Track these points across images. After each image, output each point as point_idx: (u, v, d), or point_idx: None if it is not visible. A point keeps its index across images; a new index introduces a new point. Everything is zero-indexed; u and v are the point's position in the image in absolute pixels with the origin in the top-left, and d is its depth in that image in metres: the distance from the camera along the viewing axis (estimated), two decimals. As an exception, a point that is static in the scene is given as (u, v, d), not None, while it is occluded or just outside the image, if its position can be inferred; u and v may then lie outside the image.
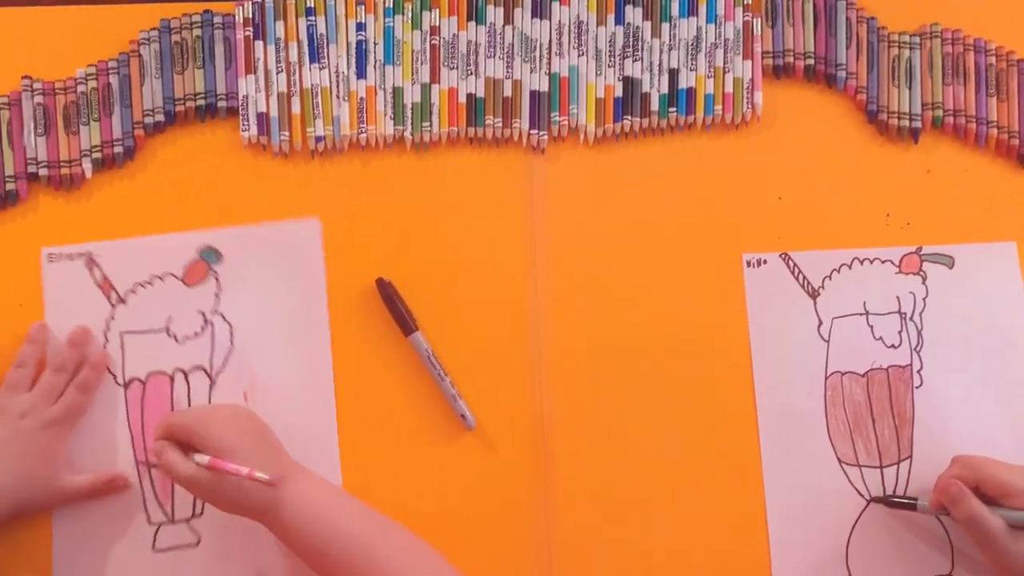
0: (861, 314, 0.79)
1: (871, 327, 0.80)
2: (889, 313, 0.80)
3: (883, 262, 0.80)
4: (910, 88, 0.82)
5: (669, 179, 0.81)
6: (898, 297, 0.80)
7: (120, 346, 0.77)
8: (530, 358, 0.79)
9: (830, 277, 0.80)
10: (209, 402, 0.77)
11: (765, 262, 0.79)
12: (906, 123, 0.82)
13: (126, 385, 0.77)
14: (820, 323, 0.80)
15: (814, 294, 0.80)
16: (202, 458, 0.67)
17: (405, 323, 0.77)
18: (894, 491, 0.78)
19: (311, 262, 0.78)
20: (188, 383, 0.77)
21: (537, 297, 0.79)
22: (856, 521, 0.77)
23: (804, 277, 0.80)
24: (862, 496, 0.78)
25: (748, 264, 0.79)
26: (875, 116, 0.82)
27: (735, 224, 0.81)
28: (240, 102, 0.79)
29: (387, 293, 0.77)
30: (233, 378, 0.77)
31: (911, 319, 0.80)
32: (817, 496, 0.77)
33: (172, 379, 0.77)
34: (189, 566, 0.75)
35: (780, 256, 0.80)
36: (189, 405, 0.77)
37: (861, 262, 0.80)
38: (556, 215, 0.80)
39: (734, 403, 0.79)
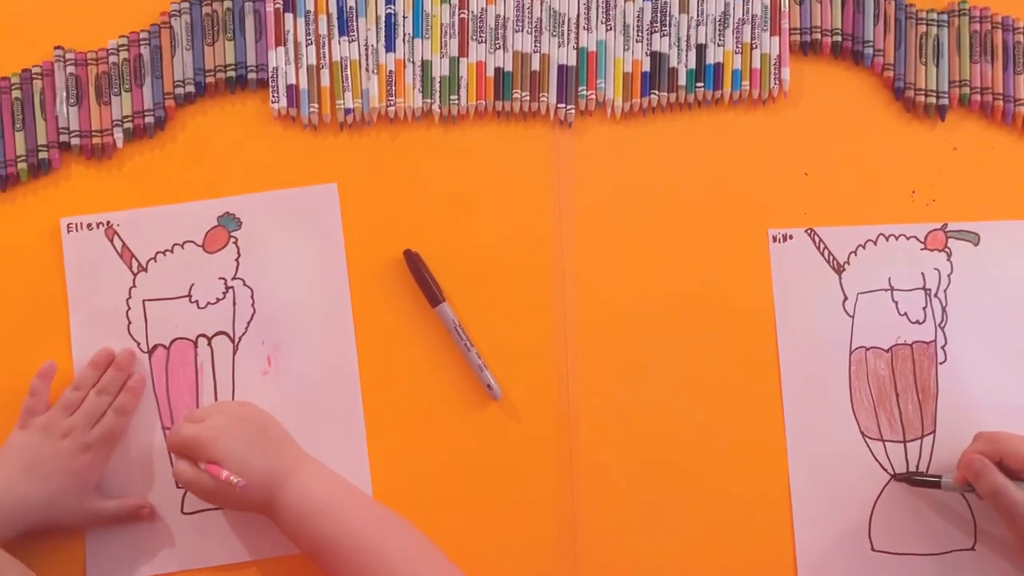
0: (886, 290, 0.79)
1: (896, 303, 0.79)
2: (914, 289, 0.79)
3: (908, 238, 0.80)
4: (937, 66, 0.81)
5: (696, 154, 0.81)
6: (923, 273, 0.79)
7: (143, 314, 0.78)
8: (556, 331, 0.78)
9: (855, 253, 0.80)
10: (232, 368, 0.77)
11: (791, 237, 0.79)
12: (933, 100, 0.81)
13: (150, 352, 0.78)
14: (845, 298, 0.79)
15: (839, 269, 0.79)
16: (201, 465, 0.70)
17: (432, 294, 0.77)
18: (917, 467, 0.78)
19: (329, 225, 0.78)
20: (212, 348, 0.78)
21: (563, 271, 0.79)
22: (879, 495, 0.77)
23: (830, 252, 0.79)
24: (885, 471, 0.78)
25: (774, 239, 0.79)
26: (902, 93, 0.81)
27: (761, 199, 0.80)
28: (270, 74, 0.79)
29: (414, 264, 0.78)
30: (256, 342, 0.78)
31: (936, 295, 0.79)
32: (840, 470, 0.77)
33: (195, 344, 0.78)
34: (215, 529, 0.76)
35: (806, 232, 0.80)
36: (213, 370, 0.78)
37: (887, 238, 0.80)
38: (583, 189, 0.80)
39: (759, 377, 0.79)
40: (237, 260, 0.78)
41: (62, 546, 0.75)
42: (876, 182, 0.81)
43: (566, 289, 0.79)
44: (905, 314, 0.79)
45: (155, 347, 0.78)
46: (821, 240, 0.79)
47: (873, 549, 0.77)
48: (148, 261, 0.78)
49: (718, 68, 0.81)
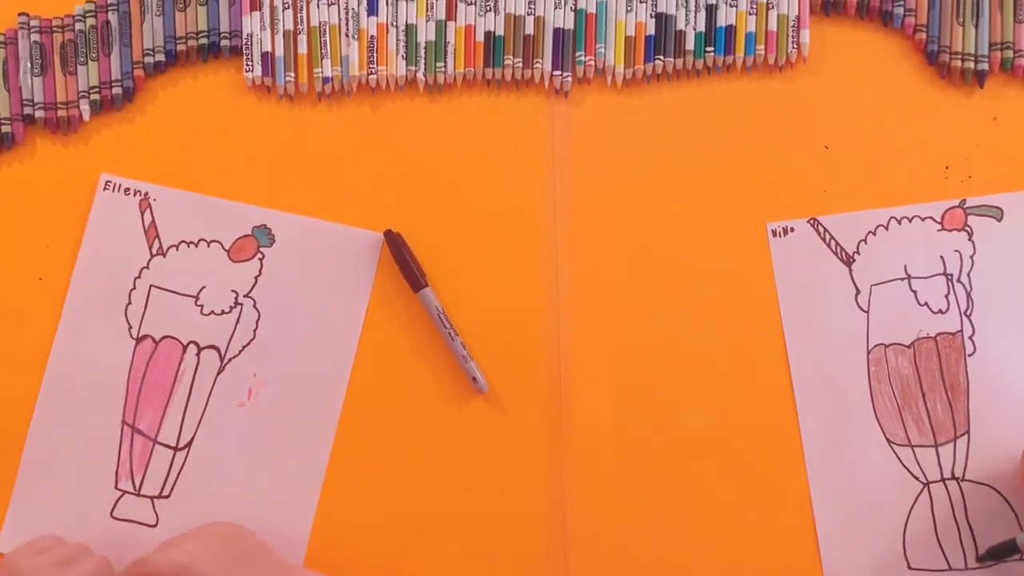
0: (902, 279, 0.75)
1: (914, 292, 0.75)
2: (933, 275, 0.75)
3: (923, 220, 0.75)
4: (976, 26, 0.76)
5: (704, 126, 0.77)
6: (942, 257, 0.75)
7: (145, 298, 0.76)
8: (548, 319, 0.76)
9: (865, 241, 0.75)
10: (211, 388, 0.75)
11: (792, 230, 0.75)
12: (971, 65, 0.76)
13: (138, 340, 0.76)
14: (858, 292, 0.75)
15: (849, 261, 0.75)
16: None
17: (414, 278, 0.74)
18: (952, 472, 0.73)
19: (361, 275, 0.76)
20: (199, 359, 0.75)
21: (556, 253, 0.76)
22: (912, 506, 0.73)
23: (836, 243, 0.75)
24: (917, 480, 0.73)
25: (774, 234, 0.75)
26: (936, 58, 0.76)
27: (777, 176, 0.76)
28: (244, 41, 0.77)
29: (396, 246, 0.75)
30: (244, 370, 0.75)
31: (958, 280, 0.75)
32: (867, 481, 0.73)
33: (184, 349, 0.75)
34: (140, 544, 0.73)
35: (808, 222, 0.75)
36: (192, 383, 0.75)
37: (899, 221, 0.75)
38: (579, 164, 0.77)
39: (769, 383, 0.75)
40: (256, 278, 0.76)
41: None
42: (905, 157, 0.76)
43: (559, 275, 0.76)
44: (926, 304, 0.75)
45: (144, 336, 0.76)
46: (826, 230, 0.75)
47: (910, 567, 0.73)
48: (170, 247, 0.76)
49: (730, 31, 0.77)
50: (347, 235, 0.76)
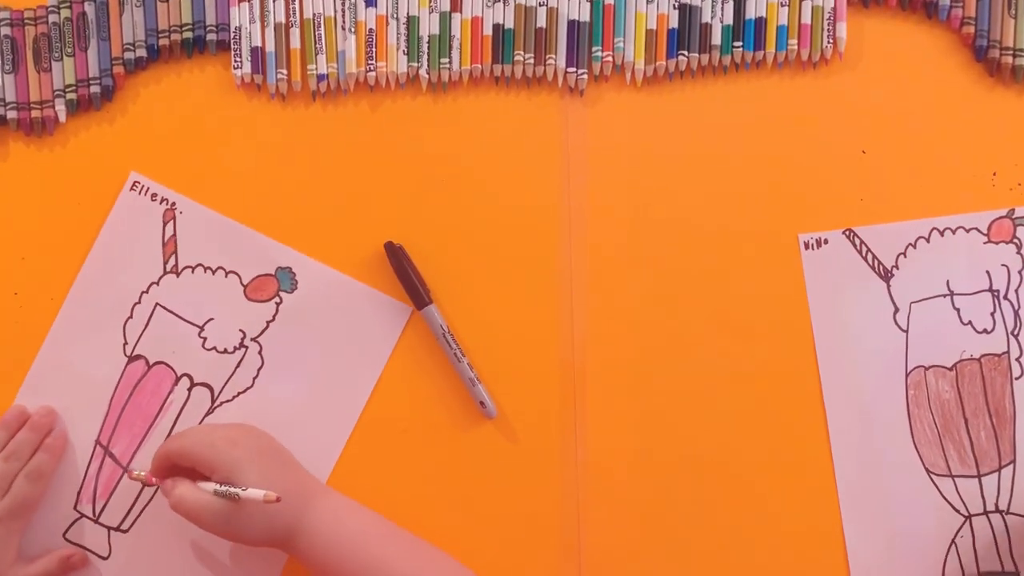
0: (944, 295, 0.73)
1: (957, 310, 0.73)
2: (978, 292, 0.73)
3: (968, 231, 0.73)
4: None
5: (731, 128, 0.75)
6: (988, 272, 0.73)
7: (149, 315, 0.73)
8: (562, 339, 0.74)
9: (904, 254, 0.73)
10: (200, 424, 0.74)
11: (825, 242, 0.73)
12: (1023, 62, 0.73)
13: (130, 358, 0.73)
14: (896, 309, 0.73)
15: (887, 276, 0.73)
16: (209, 486, 0.64)
17: (417, 294, 0.72)
18: (996, 504, 0.71)
19: (381, 345, 0.73)
20: (189, 394, 0.73)
21: (571, 266, 0.74)
22: (952, 541, 0.71)
23: (874, 256, 0.73)
24: (958, 512, 0.72)
25: (806, 246, 0.73)
26: (984, 53, 0.74)
27: (809, 184, 0.74)
28: (232, 35, 0.74)
29: (397, 259, 0.73)
30: (234, 416, 0.73)
31: (1005, 297, 0.73)
32: (904, 513, 0.72)
33: (177, 380, 0.73)
34: (87, 572, 0.72)
35: (843, 233, 0.73)
36: (177, 418, 0.73)
37: (941, 233, 0.73)
38: (595, 169, 0.75)
39: (798, 404, 0.73)
40: (269, 322, 0.73)
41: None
42: (949, 163, 0.74)
43: (573, 290, 0.74)
44: (970, 323, 0.73)
45: (138, 356, 0.73)
46: (863, 242, 0.73)
47: (948, 606, 0.72)
48: (185, 268, 0.73)
49: (760, 24, 0.74)
50: (375, 299, 0.73)
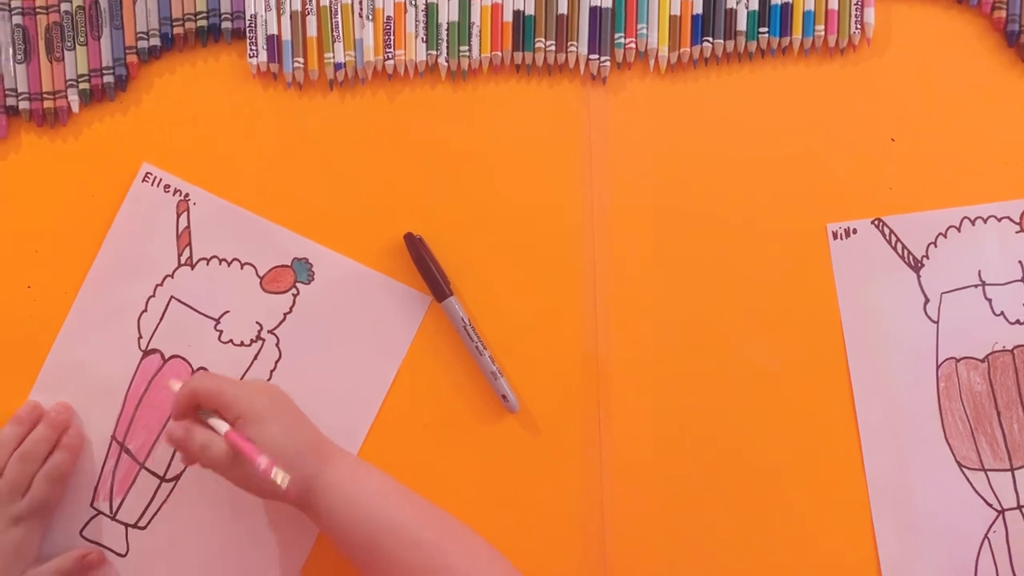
0: (976, 286, 0.72)
1: (989, 301, 0.72)
2: (1011, 282, 0.72)
3: (1000, 220, 0.72)
4: None
5: (757, 115, 0.74)
6: (1021, 262, 0.72)
7: (164, 308, 0.73)
8: (585, 332, 0.73)
9: (935, 244, 0.72)
10: None
11: (854, 231, 0.73)
12: None
13: (146, 352, 0.73)
14: (926, 300, 0.72)
15: (917, 266, 0.72)
16: (221, 425, 0.63)
17: (438, 286, 0.72)
18: None
19: (400, 334, 0.72)
20: None
21: (594, 257, 0.73)
22: (985, 536, 0.70)
23: (903, 246, 0.72)
24: (991, 506, 0.71)
25: (834, 236, 0.73)
26: (1016, 39, 0.73)
27: (837, 172, 0.73)
28: (247, 23, 0.74)
29: (417, 251, 0.72)
30: None
31: None
32: (935, 508, 0.71)
33: (193, 373, 0.72)
34: (104, 571, 0.72)
35: (872, 223, 0.73)
36: None
37: (972, 222, 0.72)
38: (618, 158, 0.74)
39: (827, 397, 0.72)
40: (286, 314, 0.72)
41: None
42: (980, 150, 0.73)
43: (596, 282, 0.73)
44: (1002, 313, 0.72)
45: (153, 351, 0.73)
46: (892, 232, 0.72)
47: (981, 603, 0.71)
48: (199, 260, 0.73)
49: (786, 9, 0.74)
50: (393, 289, 0.72)
